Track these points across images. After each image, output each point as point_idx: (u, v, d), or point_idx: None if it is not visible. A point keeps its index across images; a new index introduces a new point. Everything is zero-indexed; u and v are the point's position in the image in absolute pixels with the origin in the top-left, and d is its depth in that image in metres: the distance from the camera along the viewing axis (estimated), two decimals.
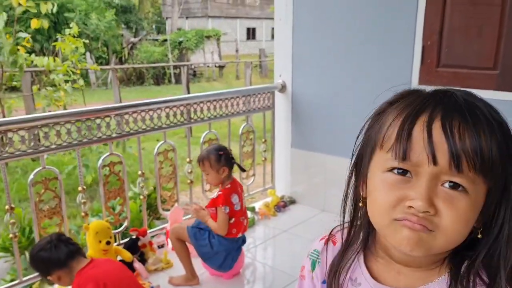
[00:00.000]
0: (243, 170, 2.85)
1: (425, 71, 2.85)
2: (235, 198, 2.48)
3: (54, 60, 6.02)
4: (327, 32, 3.29)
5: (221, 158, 2.48)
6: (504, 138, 0.62)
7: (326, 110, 3.39)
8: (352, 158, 0.74)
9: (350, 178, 0.75)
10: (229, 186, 2.50)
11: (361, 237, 0.76)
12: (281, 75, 3.60)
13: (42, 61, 5.96)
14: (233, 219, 2.48)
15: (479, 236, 0.65)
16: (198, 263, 2.58)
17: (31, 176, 2.29)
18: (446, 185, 0.61)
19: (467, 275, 0.66)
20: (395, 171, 0.63)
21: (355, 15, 3.12)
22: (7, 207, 2.23)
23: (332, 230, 0.82)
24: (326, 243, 0.83)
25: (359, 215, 0.76)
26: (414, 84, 2.88)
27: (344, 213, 0.77)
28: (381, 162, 0.65)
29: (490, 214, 0.64)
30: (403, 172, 0.62)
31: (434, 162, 0.59)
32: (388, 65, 3.00)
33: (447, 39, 2.75)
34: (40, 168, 2.32)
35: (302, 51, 3.45)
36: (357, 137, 0.72)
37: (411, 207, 0.61)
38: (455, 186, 0.61)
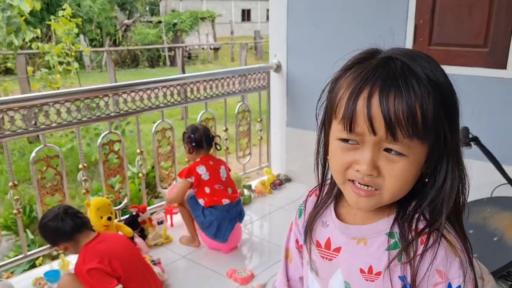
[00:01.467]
0: (217, 148, 2.87)
1: (417, 49, 2.89)
2: (201, 169, 2.63)
3: (48, 42, 6.02)
4: (322, 12, 3.32)
5: (184, 136, 2.73)
6: (442, 97, 0.69)
7: (320, 89, 3.43)
8: (317, 120, 0.84)
9: (319, 139, 0.85)
10: (198, 160, 2.68)
11: (334, 189, 0.88)
12: (276, 55, 3.64)
13: (37, 44, 5.97)
14: (208, 189, 2.61)
15: (427, 180, 0.76)
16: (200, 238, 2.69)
17: (33, 154, 2.35)
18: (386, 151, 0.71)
19: (412, 213, 0.76)
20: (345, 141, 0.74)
21: None
22: (10, 183, 2.29)
23: (316, 185, 0.92)
24: (310, 195, 0.96)
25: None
26: None
27: (317, 169, 0.87)
28: (335, 131, 0.76)
29: (433, 166, 0.73)
30: (352, 141, 0.72)
31: (374, 133, 0.69)
32: (381, 44, 3.04)
33: (438, 17, 2.80)
34: (42, 146, 2.38)
35: (297, 31, 3.48)
36: (318, 100, 0.83)
37: (358, 170, 0.72)
38: (394, 151, 0.70)
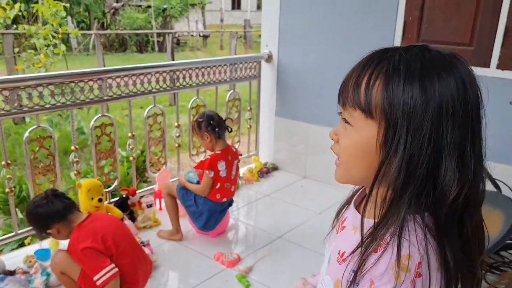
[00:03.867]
0: (229, 131, 2.80)
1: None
2: (221, 165, 2.59)
3: (34, 23, 5.95)
4: (314, 4, 3.38)
5: (201, 125, 2.59)
6: (402, 87, 0.67)
7: (310, 81, 3.51)
8: None
9: None
10: (219, 152, 2.61)
11: None
12: (267, 45, 3.69)
13: (23, 26, 5.89)
14: (219, 185, 2.61)
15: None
16: (186, 222, 2.74)
17: (26, 134, 2.37)
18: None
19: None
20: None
21: None
22: (3, 162, 2.31)
23: None
24: None
25: None
26: None
27: None
28: None
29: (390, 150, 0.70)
30: (340, 114, 0.78)
31: (338, 102, 0.76)
32: (371, 39, 3.12)
33: (427, 15, 2.88)
34: (35, 126, 2.40)
35: (289, 22, 3.54)
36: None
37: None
38: (345, 120, 0.75)
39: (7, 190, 2.37)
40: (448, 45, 2.85)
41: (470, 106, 0.68)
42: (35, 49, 6.12)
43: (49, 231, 1.99)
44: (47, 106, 2.36)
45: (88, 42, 15.95)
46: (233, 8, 29.67)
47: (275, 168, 3.86)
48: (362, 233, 0.73)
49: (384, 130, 0.68)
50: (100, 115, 2.75)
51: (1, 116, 2.22)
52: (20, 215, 3.05)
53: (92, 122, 2.67)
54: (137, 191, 2.94)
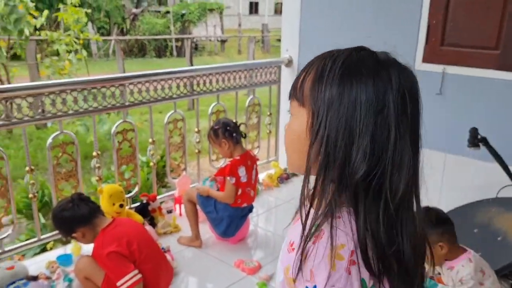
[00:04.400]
0: (244, 136, 2.76)
1: (429, 49, 2.93)
2: (242, 170, 2.58)
3: (56, 29, 6.06)
4: (335, 9, 3.35)
5: (218, 133, 2.58)
6: (324, 83, 0.75)
7: None
8: None
9: None
10: (238, 157, 2.59)
11: None
12: (288, 50, 3.67)
13: (46, 32, 6.00)
14: (240, 190, 2.59)
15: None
16: (207, 228, 2.73)
17: (50, 140, 2.39)
18: None
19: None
20: None
21: None
22: (27, 168, 2.34)
23: None
24: None
25: None
26: (418, 62, 2.97)
27: None
28: None
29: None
30: None
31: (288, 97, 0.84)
32: (393, 43, 3.06)
33: (452, 18, 2.82)
34: (59, 132, 2.42)
35: (310, 27, 3.51)
36: None
37: None
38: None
39: (30, 195, 2.39)
40: (473, 49, 2.79)
41: (393, 102, 0.73)
42: (57, 55, 6.23)
43: (74, 234, 2.02)
44: (70, 112, 2.38)
45: (108, 47, 16.19)
46: (250, 12, 29.76)
47: (294, 174, 3.82)
48: (303, 223, 0.75)
49: (311, 117, 0.76)
50: (121, 120, 2.76)
51: (26, 122, 2.25)
52: (43, 220, 3.09)
53: (113, 128, 2.68)
54: (157, 197, 2.94)
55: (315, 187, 0.76)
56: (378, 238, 0.72)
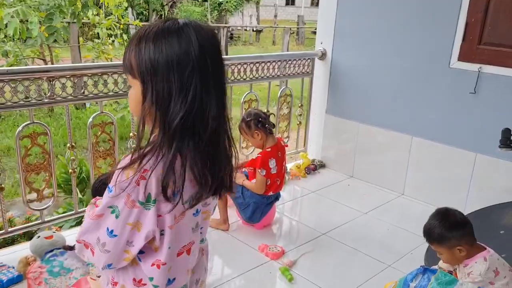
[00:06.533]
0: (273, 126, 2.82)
1: (466, 48, 2.90)
2: (272, 163, 2.64)
3: (98, 14, 6.24)
4: (372, 4, 3.35)
5: (250, 124, 2.64)
6: (143, 50, 0.90)
7: (364, 80, 3.49)
8: None
9: None
10: (269, 149, 2.66)
11: None
12: (322, 43, 3.69)
13: (88, 15, 6.20)
14: (269, 181, 2.67)
15: None
16: (234, 213, 2.83)
17: (90, 119, 2.53)
18: None
19: None
20: None
21: None
22: (68, 145, 2.49)
23: None
24: None
25: None
26: (454, 60, 2.94)
27: None
28: None
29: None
30: None
31: None
32: (429, 41, 3.05)
33: (491, 17, 2.78)
34: (99, 112, 2.55)
35: (346, 21, 3.52)
36: None
37: None
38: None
39: (70, 170, 2.54)
40: (511, 49, 2.75)
41: (194, 59, 0.89)
42: (98, 38, 6.43)
43: None
44: (110, 93, 2.50)
45: None
46: (287, 3, 29.61)
47: (322, 166, 3.86)
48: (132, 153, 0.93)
49: (141, 84, 0.91)
50: None
51: (68, 101, 2.38)
52: (80, 195, 3.25)
53: None
54: None
55: (148, 131, 0.94)
56: (194, 168, 0.92)
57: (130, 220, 0.91)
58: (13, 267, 2.19)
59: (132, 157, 0.91)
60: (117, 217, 0.91)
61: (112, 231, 0.92)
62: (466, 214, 1.99)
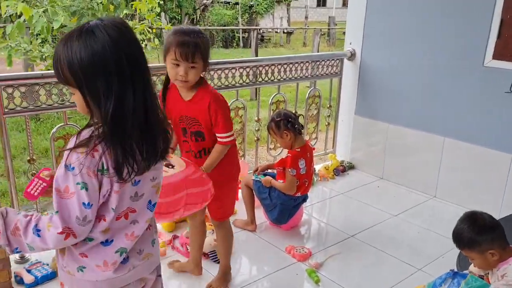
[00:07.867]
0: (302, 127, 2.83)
1: (501, 45, 2.80)
2: (302, 163, 2.64)
3: (132, 19, 6.40)
4: (402, 2, 3.29)
5: (280, 124, 2.64)
6: (70, 51, 1.02)
7: (393, 80, 3.43)
8: None
9: None
10: (298, 149, 2.65)
11: None
12: (351, 43, 3.66)
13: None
14: (298, 181, 2.66)
15: None
16: (261, 213, 2.83)
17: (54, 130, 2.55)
18: None
19: None
20: None
21: None
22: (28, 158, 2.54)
23: None
24: None
25: None
26: (488, 58, 2.85)
27: None
28: None
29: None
30: None
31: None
32: (462, 39, 2.97)
33: None
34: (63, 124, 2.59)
35: (375, 21, 3.48)
36: None
37: None
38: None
39: None
40: None
41: (111, 57, 1.01)
42: None
43: None
44: None
45: None
46: (318, 5, 29.43)
47: (351, 167, 3.82)
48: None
49: (78, 90, 1.04)
50: None
51: None
52: None
53: None
54: None
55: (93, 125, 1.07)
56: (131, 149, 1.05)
57: (96, 186, 1.05)
58: (48, 264, 2.27)
59: (76, 139, 1.04)
60: (86, 190, 1.03)
61: (88, 203, 1.04)
62: (499, 219, 1.93)
